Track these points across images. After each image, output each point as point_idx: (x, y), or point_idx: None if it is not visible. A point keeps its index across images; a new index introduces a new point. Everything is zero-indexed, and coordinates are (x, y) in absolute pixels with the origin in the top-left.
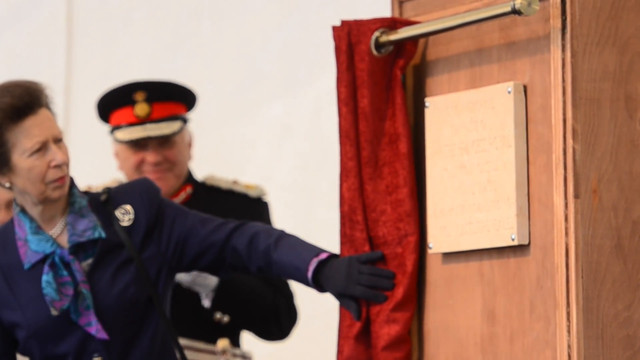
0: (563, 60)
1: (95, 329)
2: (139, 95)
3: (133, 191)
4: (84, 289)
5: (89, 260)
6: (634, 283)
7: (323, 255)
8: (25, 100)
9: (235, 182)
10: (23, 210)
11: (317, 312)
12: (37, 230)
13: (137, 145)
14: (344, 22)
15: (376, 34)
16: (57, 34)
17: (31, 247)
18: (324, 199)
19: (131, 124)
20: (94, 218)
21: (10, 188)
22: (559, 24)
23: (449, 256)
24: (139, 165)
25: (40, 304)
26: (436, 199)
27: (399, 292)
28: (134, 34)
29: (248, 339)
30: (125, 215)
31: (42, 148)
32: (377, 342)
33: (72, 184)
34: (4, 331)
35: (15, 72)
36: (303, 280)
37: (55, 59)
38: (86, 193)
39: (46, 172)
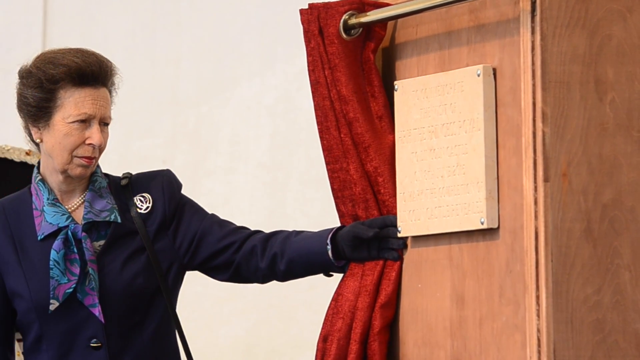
0: (532, 43)
1: (98, 310)
2: None
3: (155, 180)
4: (91, 269)
5: (101, 242)
6: (603, 267)
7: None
8: (94, 69)
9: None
10: (43, 180)
11: (296, 289)
12: (55, 202)
13: None
14: (311, 5)
15: (345, 16)
16: (33, 13)
17: (46, 219)
18: (302, 177)
19: None
20: (112, 201)
21: (38, 146)
22: (528, 7)
23: (417, 239)
24: None
25: (46, 277)
26: (405, 182)
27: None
28: (112, 12)
29: (230, 311)
30: (143, 203)
31: (86, 121)
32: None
33: (97, 164)
34: (5, 299)
35: None
36: (319, 253)
37: (32, 38)
38: (107, 175)
39: (79, 145)
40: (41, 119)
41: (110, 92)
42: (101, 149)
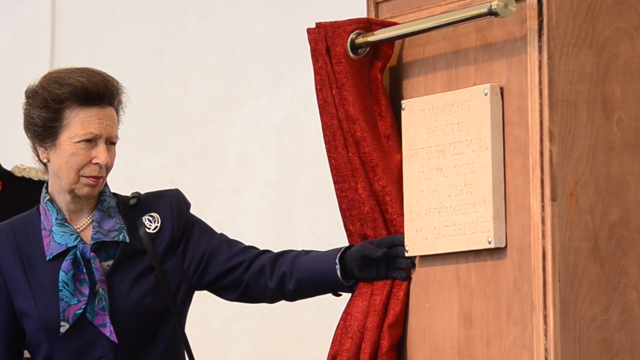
0: (540, 62)
1: (109, 330)
2: None
3: (164, 200)
4: (101, 289)
5: (110, 262)
6: (610, 286)
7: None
8: (100, 89)
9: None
10: (51, 200)
11: (304, 308)
12: (63, 222)
13: None
14: (319, 25)
15: (352, 36)
16: (41, 32)
17: (55, 239)
18: (310, 197)
19: None
20: (121, 220)
21: (45, 165)
22: (535, 26)
23: (425, 259)
24: None
25: (55, 297)
26: (412, 201)
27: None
28: (119, 32)
29: (238, 331)
30: (152, 222)
31: (92, 141)
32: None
33: (105, 183)
34: (14, 319)
35: None
36: (327, 273)
37: (40, 57)
38: (115, 195)
39: (85, 165)
40: (47, 138)
41: (117, 111)
42: (108, 168)
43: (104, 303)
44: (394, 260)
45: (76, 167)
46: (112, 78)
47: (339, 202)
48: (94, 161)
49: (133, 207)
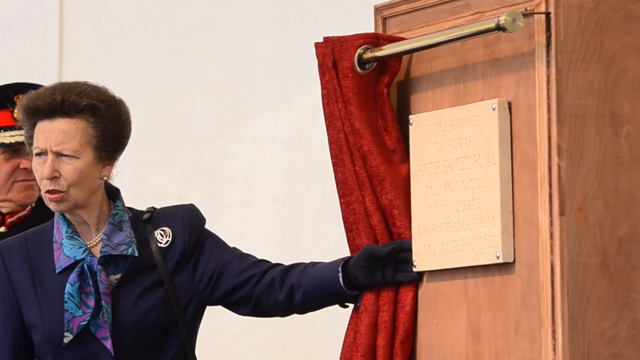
0: (548, 76)
1: (109, 343)
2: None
3: (177, 215)
4: (104, 302)
5: (118, 275)
6: (619, 301)
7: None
8: (44, 102)
9: None
10: (62, 214)
11: (311, 324)
12: (73, 235)
13: (13, 150)
14: (326, 39)
15: (359, 50)
16: (49, 49)
17: (64, 252)
18: (317, 212)
19: (9, 127)
20: (132, 234)
21: None
22: (543, 41)
23: (433, 274)
24: (12, 171)
25: (61, 309)
26: (420, 216)
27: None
28: (127, 48)
29: (246, 347)
30: (163, 237)
31: (43, 155)
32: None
33: (117, 197)
34: (24, 330)
35: None
36: (331, 282)
37: (48, 74)
38: (131, 209)
39: (41, 180)
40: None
41: (86, 121)
42: (68, 183)
43: (106, 316)
44: (403, 263)
45: (38, 181)
46: (82, 88)
47: (344, 216)
48: (41, 176)
49: (146, 221)
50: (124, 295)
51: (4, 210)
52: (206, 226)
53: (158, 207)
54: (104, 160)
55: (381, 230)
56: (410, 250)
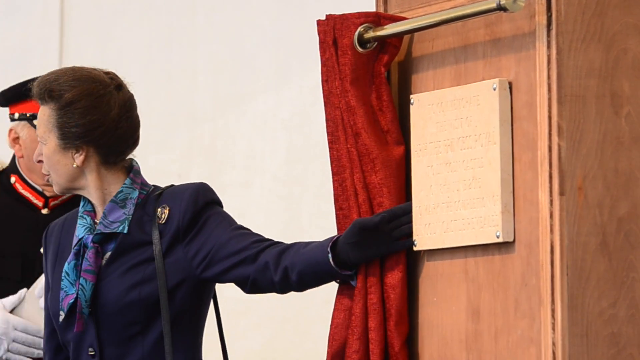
0: (548, 56)
1: (85, 321)
2: None
3: (181, 193)
4: (83, 278)
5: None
6: (619, 280)
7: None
8: (34, 89)
9: None
10: None
11: (310, 303)
12: (83, 214)
13: None
14: (328, 17)
15: (360, 29)
16: (50, 27)
17: (76, 231)
18: (317, 191)
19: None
20: (131, 212)
21: None
22: (544, 21)
23: (433, 253)
24: None
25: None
26: (421, 195)
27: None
28: (128, 27)
29: (245, 325)
30: (162, 214)
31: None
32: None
33: (129, 175)
34: None
35: (8, 66)
36: (323, 263)
37: (49, 52)
38: (154, 186)
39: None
40: None
41: (50, 108)
42: (46, 167)
43: (82, 293)
44: (397, 230)
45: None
46: (58, 75)
47: (335, 194)
48: None
49: (155, 198)
50: (110, 273)
51: (47, 194)
52: None
53: (163, 185)
54: (70, 148)
55: (365, 210)
56: (403, 214)
